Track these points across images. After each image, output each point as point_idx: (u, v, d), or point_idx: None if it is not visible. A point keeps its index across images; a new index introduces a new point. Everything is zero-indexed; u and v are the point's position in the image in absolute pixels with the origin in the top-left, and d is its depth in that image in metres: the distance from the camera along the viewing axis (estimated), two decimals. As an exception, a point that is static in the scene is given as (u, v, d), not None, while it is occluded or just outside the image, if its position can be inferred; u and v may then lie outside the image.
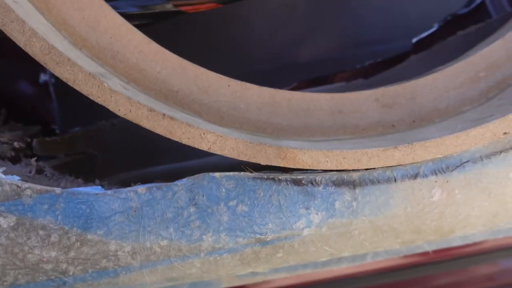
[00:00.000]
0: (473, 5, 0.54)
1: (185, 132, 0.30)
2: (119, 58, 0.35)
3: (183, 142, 0.30)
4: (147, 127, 0.30)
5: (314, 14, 0.85)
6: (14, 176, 0.32)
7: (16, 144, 0.37)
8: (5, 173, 0.32)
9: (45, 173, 0.35)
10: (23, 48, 0.29)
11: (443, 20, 0.57)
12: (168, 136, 0.30)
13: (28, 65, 0.54)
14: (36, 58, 0.29)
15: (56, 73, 0.29)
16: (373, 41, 0.86)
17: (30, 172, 0.35)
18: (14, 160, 0.37)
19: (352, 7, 0.84)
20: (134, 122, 0.30)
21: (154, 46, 0.35)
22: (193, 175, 0.38)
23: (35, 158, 0.35)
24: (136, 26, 0.39)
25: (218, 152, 0.30)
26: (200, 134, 0.30)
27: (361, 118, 0.37)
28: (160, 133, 0.30)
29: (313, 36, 0.84)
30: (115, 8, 0.39)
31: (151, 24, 0.40)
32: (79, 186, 0.35)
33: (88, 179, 0.35)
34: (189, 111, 0.35)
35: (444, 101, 0.38)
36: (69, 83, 0.29)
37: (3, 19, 0.28)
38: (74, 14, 0.34)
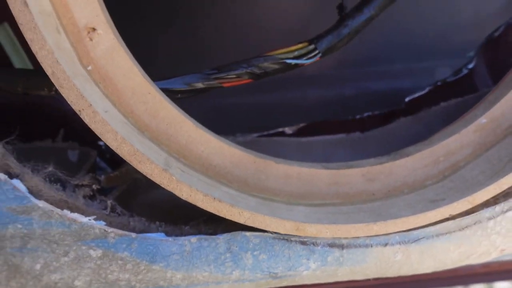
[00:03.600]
0: (459, 75, 0.65)
1: (229, 211, 0.42)
2: (172, 140, 0.46)
3: (227, 218, 0.42)
4: (201, 207, 0.42)
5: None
6: (101, 221, 0.45)
7: (94, 187, 0.48)
8: (95, 219, 0.44)
9: (117, 211, 0.48)
10: (115, 151, 0.39)
11: (434, 84, 0.67)
12: (216, 213, 0.42)
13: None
14: (124, 158, 0.40)
15: (138, 169, 0.40)
16: (373, 60, 0.95)
17: (106, 209, 0.47)
18: (92, 198, 0.48)
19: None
20: (193, 203, 0.41)
21: (200, 132, 0.46)
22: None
23: (111, 201, 0.47)
24: (179, 98, 0.49)
25: (251, 225, 0.43)
26: (239, 212, 0.42)
27: (351, 187, 0.50)
28: (210, 211, 0.42)
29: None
30: (170, 84, 0.49)
31: (193, 96, 0.50)
32: (143, 224, 0.47)
33: (149, 221, 0.47)
34: (224, 180, 0.47)
35: (411, 177, 0.51)
36: (147, 176, 0.40)
37: (101, 130, 0.39)
38: (139, 106, 0.44)
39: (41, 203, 0.43)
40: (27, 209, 0.43)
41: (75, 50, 0.41)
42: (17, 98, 0.47)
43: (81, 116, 0.38)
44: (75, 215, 0.44)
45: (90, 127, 0.39)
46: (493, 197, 0.48)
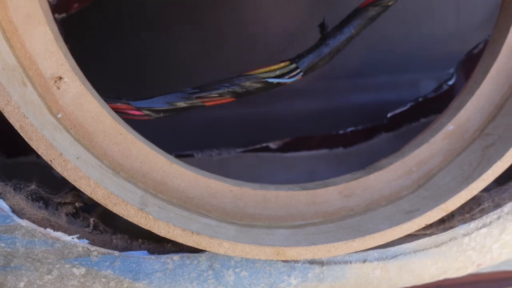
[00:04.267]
0: (440, 91, 0.67)
1: (208, 243, 0.42)
2: (148, 177, 0.46)
3: (207, 250, 0.43)
4: (180, 242, 0.42)
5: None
6: (84, 239, 0.45)
7: (77, 204, 0.49)
8: (78, 238, 0.45)
9: (99, 228, 0.48)
10: (89, 196, 0.40)
11: (415, 100, 0.69)
12: (196, 246, 0.42)
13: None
14: (99, 202, 0.40)
15: (114, 211, 0.41)
16: (359, 73, 0.97)
17: (88, 226, 0.48)
18: (75, 215, 0.49)
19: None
20: (172, 239, 0.42)
21: (174, 166, 0.47)
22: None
23: (93, 218, 0.48)
24: (162, 117, 0.50)
25: (231, 254, 0.43)
26: (219, 243, 0.42)
27: (329, 205, 0.51)
28: (190, 245, 0.42)
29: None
30: (152, 103, 0.50)
31: (176, 114, 0.51)
32: (126, 242, 0.48)
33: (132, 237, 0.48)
34: (202, 211, 0.47)
35: (387, 190, 0.52)
36: (123, 217, 0.41)
37: (73, 177, 0.40)
38: (112, 148, 0.45)
39: (24, 222, 0.43)
40: (10, 228, 0.43)
41: (43, 100, 0.42)
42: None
43: (53, 166, 0.39)
44: (58, 234, 0.44)
45: (63, 175, 0.39)
46: (469, 213, 0.50)
